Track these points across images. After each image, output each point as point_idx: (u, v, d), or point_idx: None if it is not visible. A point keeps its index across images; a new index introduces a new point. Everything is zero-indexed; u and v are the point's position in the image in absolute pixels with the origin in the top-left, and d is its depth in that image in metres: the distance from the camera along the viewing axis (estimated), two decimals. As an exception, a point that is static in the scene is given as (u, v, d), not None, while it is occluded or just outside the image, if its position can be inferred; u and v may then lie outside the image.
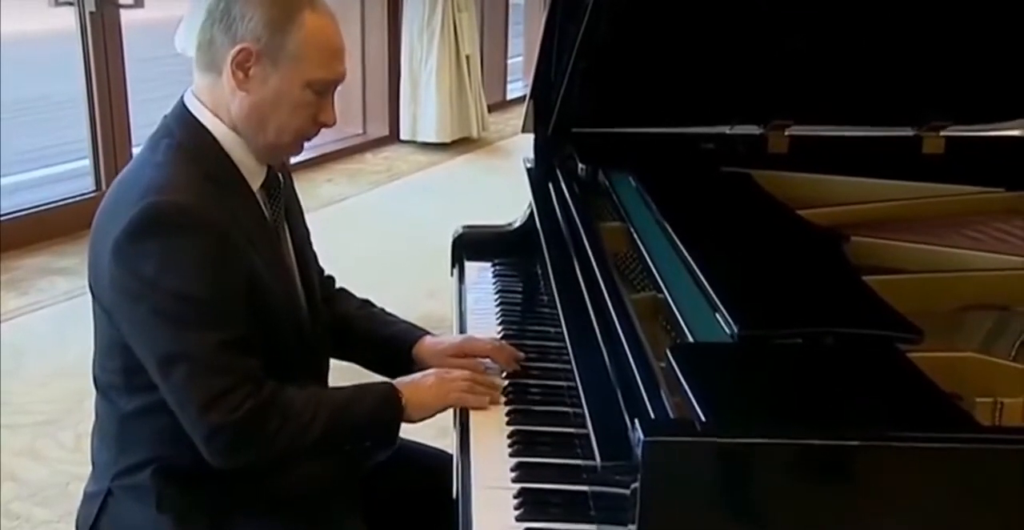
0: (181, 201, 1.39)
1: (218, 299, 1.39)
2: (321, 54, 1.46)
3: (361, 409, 1.52)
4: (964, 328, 1.62)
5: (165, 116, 1.53)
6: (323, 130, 1.55)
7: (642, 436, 1.07)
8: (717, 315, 1.38)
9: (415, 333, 1.73)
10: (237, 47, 1.43)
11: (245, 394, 1.38)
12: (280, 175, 1.62)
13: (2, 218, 4.34)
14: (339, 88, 1.54)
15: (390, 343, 1.73)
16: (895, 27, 1.97)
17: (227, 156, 1.49)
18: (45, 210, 4.49)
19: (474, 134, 6.40)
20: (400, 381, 1.57)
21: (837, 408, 1.22)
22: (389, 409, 1.52)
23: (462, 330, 1.95)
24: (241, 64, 1.43)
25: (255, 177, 1.53)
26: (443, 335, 1.76)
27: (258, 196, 1.54)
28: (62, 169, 5.39)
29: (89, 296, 1.52)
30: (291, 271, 1.61)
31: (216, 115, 1.49)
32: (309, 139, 1.55)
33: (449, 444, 1.63)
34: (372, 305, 1.83)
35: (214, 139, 1.48)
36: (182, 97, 1.52)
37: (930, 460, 1.11)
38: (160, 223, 1.37)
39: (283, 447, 1.44)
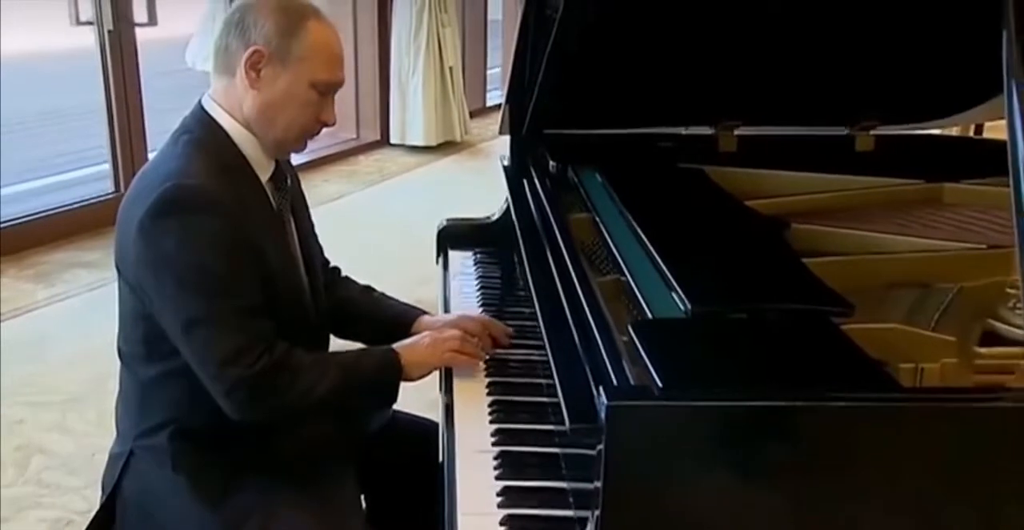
0: (197, 184, 1.41)
1: (233, 270, 1.41)
2: (324, 58, 1.48)
3: (365, 368, 1.54)
4: (890, 303, 1.63)
5: (185, 116, 1.54)
6: (321, 135, 1.57)
7: (606, 401, 1.08)
8: (673, 294, 1.39)
9: (413, 313, 1.75)
10: (250, 49, 1.45)
11: (260, 352, 1.40)
12: (287, 173, 1.63)
13: (31, 218, 4.34)
14: (337, 97, 1.56)
15: (392, 322, 1.73)
16: (830, 38, 1.97)
17: (239, 150, 1.51)
18: (69, 210, 4.47)
19: (457, 137, 6.38)
20: (399, 344, 1.58)
21: (779, 374, 1.23)
22: (390, 368, 1.53)
23: (447, 313, 1.94)
24: (254, 65, 1.46)
25: (263, 170, 1.54)
26: (438, 314, 1.77)
27: (266, 187, 1.55)
28: (84, 173, 5.36)
29: (108, 287, 1.53)
30: (295, 257, 1.61)
31: (230, 114, 1.50)
32: (312, 136, 1.56)
33: (437, 415, 1.63)
34: (373, 290, 1.84)
35: (227, 135, 1.50)
36: (200, 100, 1.54)
37: (861, 418, 1.13)
38: (179, 204, 1.39)
39: (295, 401, 1.45)
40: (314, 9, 1.51)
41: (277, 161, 1.59)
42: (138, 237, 1.41)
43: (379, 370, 1.54)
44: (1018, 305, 1.46)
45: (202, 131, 1.50)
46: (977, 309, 1.64)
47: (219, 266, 1.40)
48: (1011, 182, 1.36)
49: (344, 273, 1.86)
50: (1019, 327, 1.47)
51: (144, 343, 1.50)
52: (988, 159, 1.98)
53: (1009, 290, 1.64)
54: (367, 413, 1.72)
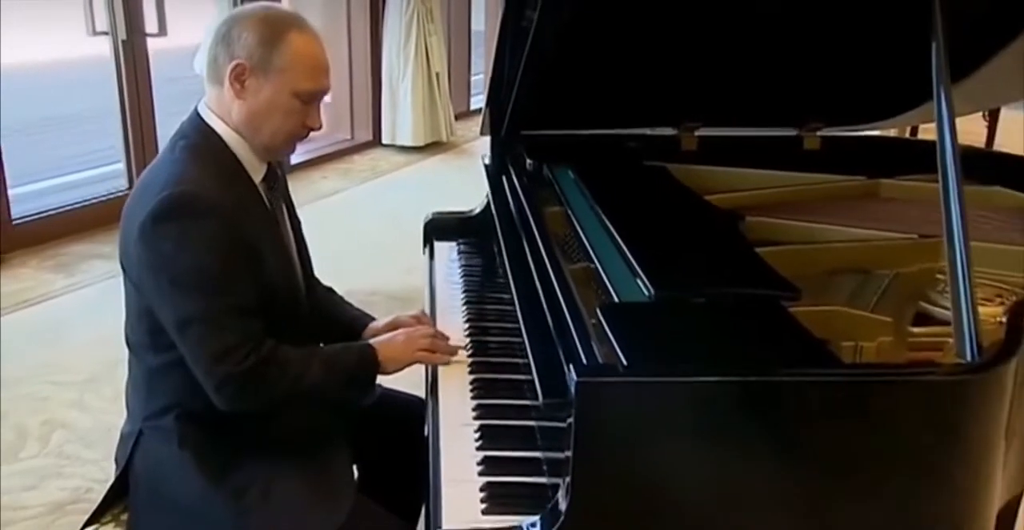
0: (194, 191, 1.38)
1: (226, 271, 1.38)
2: (305, 68, 1.44)
3: (345, 364, 1.52)
4: (833, 288, 1.64)
5: (182, 122, 1.52)
6: (319, 135, 1.55)
7: (575, 377, 1.09)
8: (637, 280, 1.40)
9: (365, 319, 1.74)
10: (234, 62, 1.42)
11: (248, 350, 1.38)
12: (280, 173, 1.61)
13: (51, 213, 4.30)
14: (331, 102, 1.54)
15: (348, 324, 1.72)
16: (782, 48, 1.98)
17: (232, 154, 1.48)
18: (86, 206, 4.43)
19: (443, 138, 6.36)
20: (376, 340, 1.57)
21: (733, 353, 1.24)
22: (367, 363, 1.52)
23: (432, 298, 1.94)
24: (238, 77, 1.43)
25: (256, 172, 1.52)
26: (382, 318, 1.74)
27: (259, 188, 1.53)
28: (99, 172, 5.32)
29: (122, 277, 1.52)
30: (289, 250, 1.60)
31: (222, 120, 1.48)
32: (300, 140, 1.53)
33: (423, 392, 1.63)
34: (334, 292, 1.81)
35: (221, 140, 1.47)
36: (196, 106, 1.51)
37: (807, 391, 1.13)
38: (177, 209, 1.37)
39: (281, 395, 1.44)
40: (297, 20, 1.47)
41: (269, 162, 1.56)
42: (139, 240, 1.38)
43: (358, 365, 1.52)
44: (946, 289, 1.47)
45: (198, 136, 1.48)
46: (910, 292, 1.66)
47: (214, 268, 1.37)
48: (940, 178, 1.37)
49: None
50: (947, 308, 1.48)
51: (149, 334, 1.48)
52: (920, 158, 2.00)
53: (938, 275, 1.67)
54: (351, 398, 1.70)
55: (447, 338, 1.64)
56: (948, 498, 1.19)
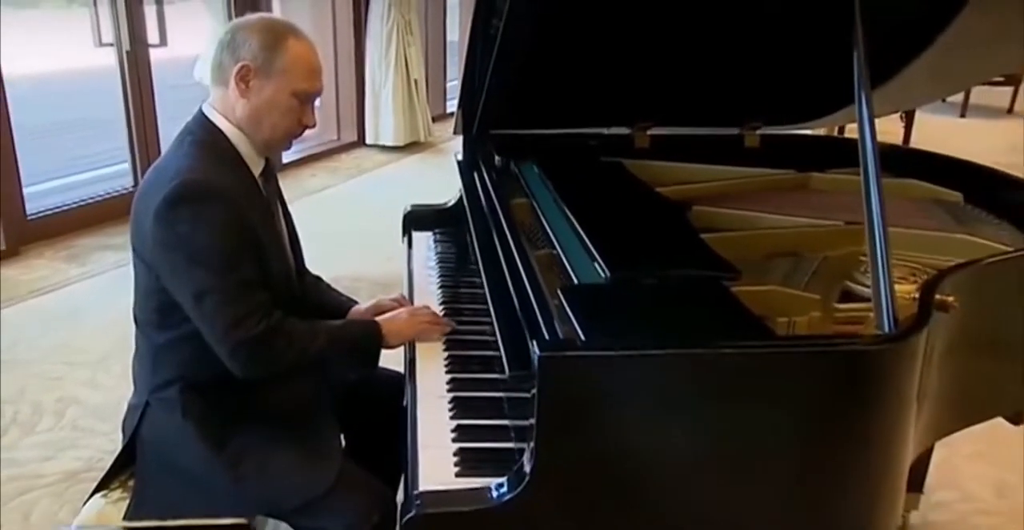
0: (203, 178, 1.38)
1: (235, 249, 1.38)
2: (303, 70, 1.45)
3: (350, 335, 1.53)
4: (769, 269, 1.64)
5: (188, 121, 1.51)
6: (309, 136, 1.54)
7: (538, 352, 1.09)
8: (595, 264, 1.40)
9: (349, 304, 1.74)
10: (239, 64, 1.43)
11: (259, 318, 1.38)
12: (272, 169, 1.60)
13: (65, 208, 4.25)
14: (319, 106, 1.52)
15: (333, 308, 1.71)
16: (725, 57, 1.98)
17: (234, 148, 1.48)
18: (96, 202, 4.38)
19: (422, 138, 6.32)
20: (380, 317, 1.57)
21: (680, 328, 1.24)
22: (371, 336, 1.52)
23: (410, 283, 1.93)
24: (243, 77, 1.43)
25: (255, 166, 1.52)
26: (365, 302, 1.75)
27: (257, 180, 1.52)
28: (107, 171, 5.25)
29: (130, 266, 1.50)
30: (282, 236, 1.59)
31: (226, 118, 1.47)
32: (296, 137, 1.53)
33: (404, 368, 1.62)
34: (321, 280, 1.81)
35: (224, 136, 1.47)
36: (201, 106, 1.51)
37: (745, 362, 1.14)
38: (189, 195, 1.36)
39: (290, 360, 1.43)
40: (293, 27, 1.47)
41: (267, 158, 1.56)
42: (155, 224, 1.37)
43: (362, 337, 1.53)
44: (867, 269, 1.49)
45: (203, 133, 1.47)
46: (837, 273, 1.67)
47: (224, 246, 1.37)
48: (861, 172, 1.39)
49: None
50: (868, 286, 1.50)
51: (157, 312, 1.47)
52: (846, 154, 2.02)
53: (861, 258, 1.68)
54: (347, 372, 1.69)
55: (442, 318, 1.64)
56: (871, 452, 1.20)
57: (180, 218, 1.36)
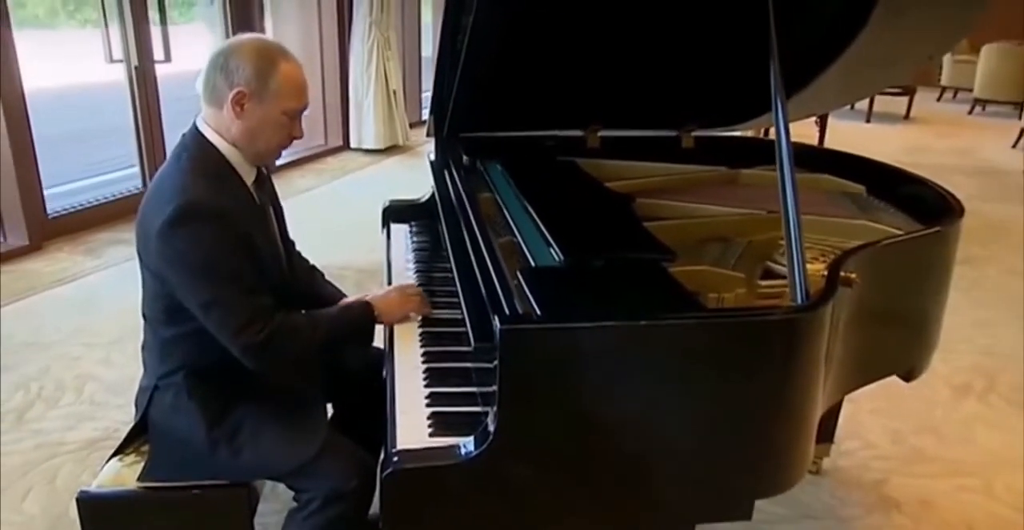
0: (200, 199, 1.34)
1: (233, 261, 1.35)
2: (293, 90, 1.40)
3: (347, 318, 1.51)
4: (702, 252, 1.66)
5: (184, 135, 1.46)
6: (298, 141, 1.50)
7: (499, 325, 1.09)
8: (550, 249, 1.40)
9: (339, 295, 1.71)
10: (235, 90, 1.37)
11: (263, 324, 1.35)
12: (266, 172, 1.56)
13: (82, 207, 4.17)
14: (307, 114, 1.48)
15: (326, 299, 1.68)
16: (664, 69, 1.98)
17: (228, 162, 1.43)
18: (109, 202, 4.29)
19: (400, 142, 6.26)
20: (372, 297, 1.54)
21: (623, 303, 1.25)
22: (366, 316, 1.51)
23: (389, 269, 1.92)
24: (238, 102, 1.38)
25: (248, 176, 1.47)
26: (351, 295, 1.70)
27: (251, 188, 1.48)
28: (118, 175, 5.15)
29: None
30: (275, 238, 1.56)
31: (219, 134, 1.42)
32: (286, 148, 1.50)
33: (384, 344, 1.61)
34: (316, 269, 1.78)
35: (218, 151, 1.42)
36: (194, 122, 1.45)
37: (680, 331, 1.15)
38: (186, 216, 1.32)
39: (297, 351, 1.42)
40: (283, 50, 1.42)
41: (258, 167, 1.51)
42: (158, 241, 1.34)
43: (359, 317, 1.51)
44: (784, 252, 1.50)
45: (198, 149, 1.42)
46: (759, 255, 1.68)
47: (222, 260, 1.34)
48: (778, 168, 1.40)
49: (299, 249, 1.78)
50: (784, 266, 1.52)
51: (164, 312, 1.44)
52: (768, 152, 2.02)
53: (780, 242, 1.70)
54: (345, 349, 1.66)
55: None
56: (787, 403, 1.22)
57: (181, 237, 1.33)
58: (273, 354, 1.38)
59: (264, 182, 1.54)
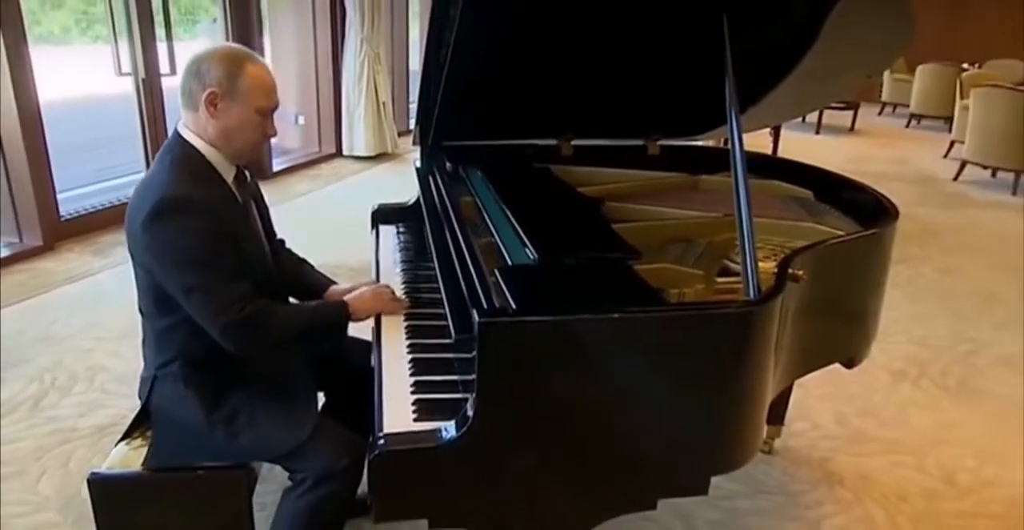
0: (179, 194, 1.32)
1: (212, 250, 1.32)
2: (262, 89, 1.39)
3: (323, 313, 1.49)
4: (665, 252, 1.66)
5: (168, 139, 1.43)
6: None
7: (478, 318, 1.09)
8: (525, 248, 1.40)
9: (326, 283, 1.69)
10: (207, 91, 1.36)
11: (241, 306, 1.33)
12: (247, 173, 1.52)
13: (92, 211, 4.09)
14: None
15: (313, 287, 1.67)
16: (632, 85, 1.98)
17: (208, 162, 1.41)
18: (116, 206, 4.20)
19: (389, 150, 6.21)
20: (348, 297, 1.52)
21: (592, 298, 1.25)
22: (340, 312, 1.49)
23: (377, 267, 1.90)
24: (212, 102, 1.36)
25: (228, 174, 1.44)
26: (343, 283, 1.70)
27: (231, 186, 1.45)
28: (126, 180, 5.04)
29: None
30: (258, 233, 1.53)
31: (199, 136, 1.40)
32: (261, 146, 1.47)
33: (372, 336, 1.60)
34: (305, 261, 1.75)
35: (198, 152, 1.40)
36: (176, 126, 1.43)
37: (644, 323, 1.15)
38: (168, 209, 1.30)
39: (274, 338, 1.39)
40: (250, 54, 1.40)
41: (238, 166, 1.48)
42: (143, 233, 1.32)
43: (333, 314, 1.49)
44: (738, 251, 1.51)
45: (179, 151, 1.40)
46: (717, 254, 1.69)
47: (202, 249, 1.31)
48: (732, 175, 1.40)
49: (289, 246, 1.76)
50: (738, 264, 1.53)
51: (155, 303, 1.42)
52: (727, 160, 2.03)
53: (736, 242, 1.71)
54: (322, 342, 1.64)
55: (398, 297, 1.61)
56: (741, 388, 1.23)
57: (164, 228, 1.30)
58: (251, 335, 1.35)
59: (244, 181, 1.51)
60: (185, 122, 1.42)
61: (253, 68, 1.38)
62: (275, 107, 1.43)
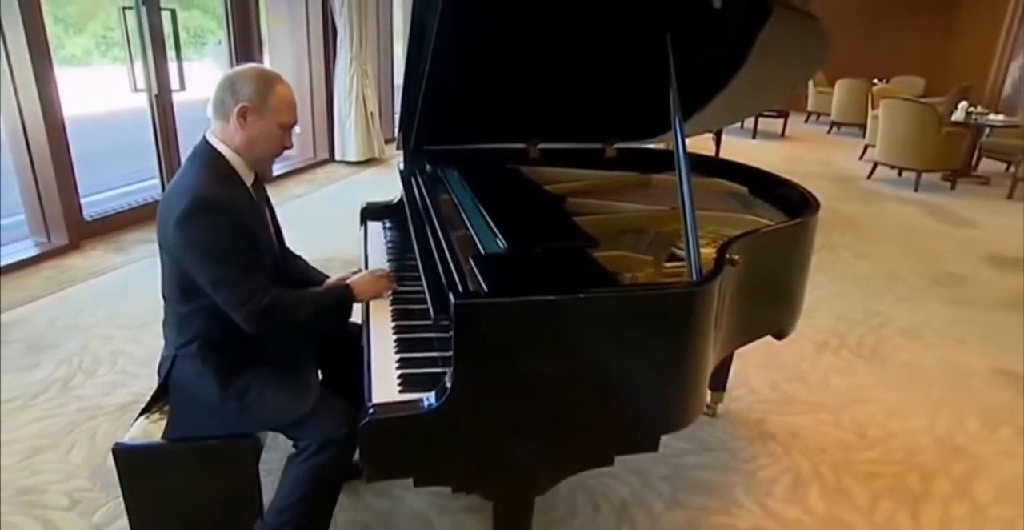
0: (210, 194, 1.31)
1: (237, 246, 1.32)
2: (287, 107, 1.40)
3: (331, 297, 1.48)
4: (620, 241, 1.66)
5: (196, 145, 1.42)
6: (292, 154, 1.48)
7: (454, 301, 1.08)
8: (496, 239, 1.39)
9: (321, 277, 1.68)
10: (240, 105, 1.36)
11: (261, 296, 1.33)
12: (261, 178, 1.51)
13: (113, 213, 3.99)
14: (300, 133, 1.45)
15: (312, 280, 1.65)
16: (591, 93, 1.97)
17: (231, 167, 1.40)
18: (134, 208, 4.11)
19: (376, 155, 6.13)
20: (350, 280, 1.52)
21: (555, 281, 1.24)
22: (345, 294, 1.48)
23: (366, 259, 1.87)
24: (242, 114, 1.36)
25: (247, 178, 1.44)
26: (335, 275, 1.67)
27: (249, 188, 1.44)
28: (142, 185, 4.95)
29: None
30: (269, 229, 1.52)
31: (225, 143, 1.40)
32: (279, 156, 1.46)
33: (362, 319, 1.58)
34: (302, 258, 1.73)
35: (224, 158, 1.39)
36: (204, 135, 1.42)
37: (601, 302, 1.15)
38: (199, 209, 1.29)
39: (289, 321, 1.37)
40: (278, 76, 1.41)
41: (255, 172, 1.48)
42: (175, 229, 1.30)
43: (340, 297, 1.48)
44: (683, 240, 1.51)
45: (207, 156, 1.39)
46: (665, 243, 1.69)
47: (228, 246, 1.30)
48: (676, 174, 1.40)
49: (288, 241, 1.72)
50: (683, 250, 1.53)
51: (179, 290, 1.40)
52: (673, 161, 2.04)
53: (681, 232, 1.71)
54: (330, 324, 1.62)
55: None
56: (685, 358, 1.23)
57: (194, 225, 1.29)
58: (269, 321, 1.35)
59: (260, 184, 1.51)
60: (214, 130, 1.41)
61: (281, 88, 1.39)
62: (295, 123, 1.44)
